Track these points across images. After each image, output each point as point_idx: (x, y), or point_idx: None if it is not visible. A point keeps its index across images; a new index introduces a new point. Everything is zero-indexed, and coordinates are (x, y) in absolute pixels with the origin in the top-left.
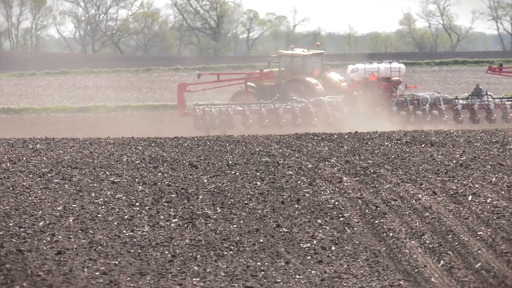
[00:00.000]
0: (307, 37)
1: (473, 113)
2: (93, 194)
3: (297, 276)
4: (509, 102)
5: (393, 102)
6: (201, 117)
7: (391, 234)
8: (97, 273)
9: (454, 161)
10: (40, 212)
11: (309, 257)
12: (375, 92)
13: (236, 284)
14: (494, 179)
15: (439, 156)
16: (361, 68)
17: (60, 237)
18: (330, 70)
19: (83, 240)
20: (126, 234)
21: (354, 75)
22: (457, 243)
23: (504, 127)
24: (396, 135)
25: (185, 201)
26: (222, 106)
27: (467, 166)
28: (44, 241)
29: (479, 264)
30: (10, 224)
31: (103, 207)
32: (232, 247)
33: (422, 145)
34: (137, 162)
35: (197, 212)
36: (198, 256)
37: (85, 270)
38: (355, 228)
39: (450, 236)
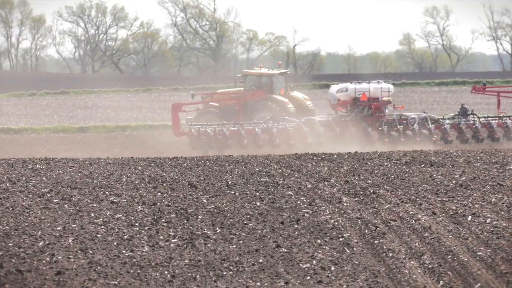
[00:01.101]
0: (307, 57)
1: (461, 133)
2: (92, 214)
3: None
4: (495, 121)
5: (382, 122)
6: (197, 137)
7: (390, 254)
8: None
9: (454, 181)
10: (39, 232)
11: (308, 277)
12: (366, 112)
13: None
14: (493, 199)
15: (439, 176)
16: (351, 88)
17: (59, 257)
18: (293, 89)
19: (82, 260)
20: (126, 254)
21: (341, 94)
22: (456, 264)
23: (493, 146)
24: (395, 155)
25: (185, 221)
26: (216, 126)
27: (466, 186)
28: (44, 261)
29: (479, 284)
30: (10, 244)
31: (102, 227)
32: (231, 267)
33: (422, 165)
34: (136, 182)
35: (196, 232)
36: (198, 276)
37: None
38: (354, 248)
39: (449, 256)
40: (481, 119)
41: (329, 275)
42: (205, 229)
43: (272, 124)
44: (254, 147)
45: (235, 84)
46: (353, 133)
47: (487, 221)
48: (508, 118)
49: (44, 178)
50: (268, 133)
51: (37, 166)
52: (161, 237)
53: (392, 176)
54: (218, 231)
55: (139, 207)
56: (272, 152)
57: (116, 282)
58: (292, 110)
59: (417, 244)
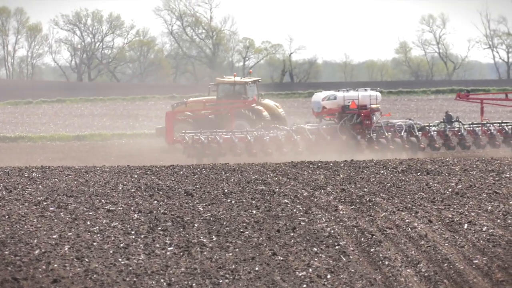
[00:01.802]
0: (303, 65)
1: (447, 140)
2: (88, 222)
3: None
4: (479, 128)
5: (371, 130)
6: (191, 145)
7: (386, 262)
8: None
9: (450, 190)
10: (35, 240)
11: (304, 286)
12: (355, 120)
13: None
14: (490, 207)
15: (435, 185)
16: (339, 96)
17: (55, 265)
18: (264, 97)
19: (78, 269)
20: (122, 262)
21: (328, 102)
22: (452, 272)
23: (478, 153)
24: (391, 164)
25: (181, 229)
26: (209, 134)
27: (463, 194)
28: (40, 269)
29: None
30: (6, 252)
31: (98, 235)
32: (227, 276)
33: (418, 173)
34: (132, 190)
35: (192, 240)
36: (194, 284)
37: None
38: (350, 257)
39: (445, 265)
40: (465, 126)
41: (325, 283)
42: (201, 237)
43: (263, 132)
44: (246, 155)
45: (208, 93)
46: (343, 141)
47: (483, 229)
48: (491, 125)
49: (40, 186)
50: (261, 141)
51: (33, 174)
52: (157, 245)
53: (388, 184)
54: (214, 239)
55: (135, 215)
56: (265, 160)
57: None
58: (267, 118)
59: (413, 252)
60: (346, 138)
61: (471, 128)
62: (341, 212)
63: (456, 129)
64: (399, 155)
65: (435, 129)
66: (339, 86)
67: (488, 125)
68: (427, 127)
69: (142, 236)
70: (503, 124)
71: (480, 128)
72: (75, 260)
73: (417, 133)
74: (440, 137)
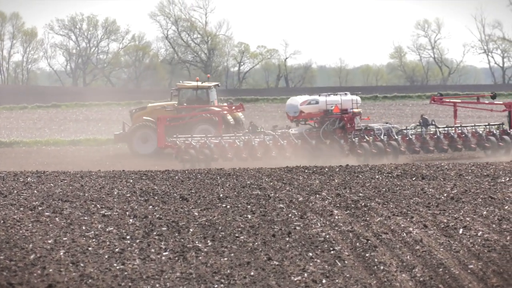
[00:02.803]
0: (298, 70)
1: (425, 143)
2: (84, 227)
3: None
4: (453, 131)
5: (353, 134)
6: (184, 150)
7: (382, 267)
8: None
9: (445, 194)
10: (31, 245)
11: None
12: (337, 124)
13: None
14: (485, 212)
15: (430, 190)
16: (322, 100)
17: (51, 270)
18: (223, 101)
19: (74, 273)
20: (117, 267)
21: (308, 107)
22: (448, 276)
23: (455, 155)
24: (387, 168)
25: (176, 234)
26: (200, 138)
27: (458, 199)
28: (35, 274)
29: None
30: (1, 257)
31: (94, 240)
32: (223, 280)
33: (413, 178)
34: (128, 195)
35: (188, 245)
36: None
37: None
38: (346, 261)
39: (441, 269)
40: (440, 129)
41: None
42: (197, 242)
43: (250, 137)
44: (236, 160)
45: (171, 97)
46: (327, 145)
47: (479, 234)
48: (464, 128)
49: (36, 191)
50: (249, 146)
51: (29, 179)
52: (153, 250)
53: (384, 189)
54: (209, 244)
55: (131, 220)
56: (255, 165)
57: None
58: (232, 122)
59: (408, 257)
60: (330, 143)
61: (446, 131)
62: (336, 217)
63: (432, 132)
64: (380, 159)
65: (412, 132)
66: (335, 90)
67: (461, 128)
68: (405, 131)
69: (138, 241)
70: (475, 127)
71: (453, 131)
72: (71, 265)
73: (396, 137)
74: (418, 141)
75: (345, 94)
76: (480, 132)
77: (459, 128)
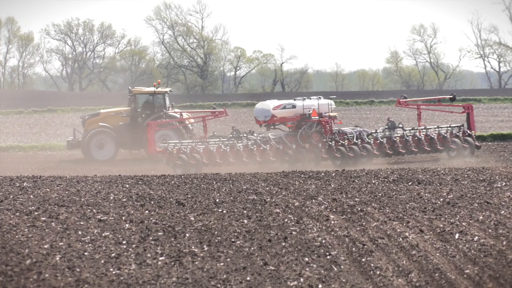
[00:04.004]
0: (295, 74)
1: (395, 146)
2: (80, 232)
3: None
4: (423, 134)
5: (328, 138)
6: (176, 155)
7: (378, 272)
8: None
9: (441, 199)
10: (27, 250)
11: None
12: (315, 128)
13: None
14: (481, 217)
15: (426, 194)
16: (299, 104)
17: (47, 275)
18: (174, 107)
19: (70, 278)
20: (113, 272)
21: (282, 111)
22: (444, 281)
23: (425, 158)
24: (383, 173)
25: (172, 239)
26: (187, 143)
27: (454, 204)
28: (31, 279)
29: None
30: None
31: (90, 245)
32: (219, 285)
33: (409, 183)
34: (124, 200)
35: (184, 250)
36: None
37: None
38: (342, 266)
39: (437, 274)
40: (406, 132)
41: None
42: (193, 247)
43: (234, 142)
44: (225, 165)
45: (128, 103)
46: (307, 149)
47: (475, 239)
48: (428, 131)
49: (32, 196)
50: (235, 150)
51: (25, 184)
52: (149, 255)
53: (380, 194)
54: (205, 249)
55: (127, 225)
56: (241, 170)
57: None
58: (191, 127)
59: (404, 262)
60: (309, 147)
61: (412, 134)
62: (332, 222)
63: (399, 135)
64: (356, 163)
65: (381, 135)
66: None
67: (425, 130)
68: (374, 134)
69: (134, 246)
70: (438, 129)
71: (418, 133)
72: (67, 270)
73: (368, 140)
74: (388, 143)
75: (319, 98)
76: (444, 134)
77: (424, 130)
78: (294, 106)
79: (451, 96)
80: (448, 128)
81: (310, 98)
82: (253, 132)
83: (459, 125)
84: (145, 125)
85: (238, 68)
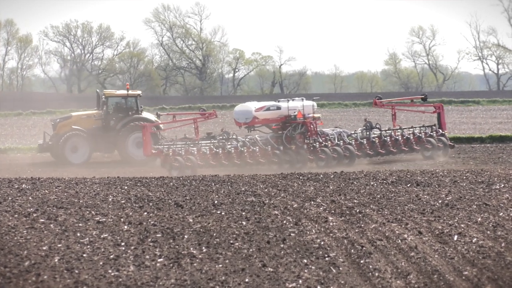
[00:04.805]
0: (293, 76)
1: (374, 146)
2: (78, 234)
3: None
4: (399, 134)
5: (312, 139)
6: (172, 157)
7: (376, 274)
8: None
9: (440, 201)
10: (25, 252)
11: None
12: (299, 130)
13: None
14: (479, 219)
15: (425, 196)
16: (284, 106)
17: (45, 277)
18: (144, 110)
19: (68, 280)
20: (112, 274)
21: (266, 113)
22: (442, 283)
23: (404, 158)
24: (381, 175)
25: (171, 240)
26: (181, 145)
27: (452, 206)
28: (30, 281)
29: None
30: None
31: (88, 246)
32: (217, 287)
33: (408, 185)
34: (122, 201)
35: (182, 252)
36: None
37: None
38: (340, 268)
39: (435, 276)
40: (383, 132)
41: None
42: (191, 249)
43: (224, 144)
44: (219, 167)
45: (99, 106)
46: (293, 150)
47: (473, 240)
48: (403, 131)
49: (30, 198)
50: (226, 152)
51: (23, 185)
52: (147, 256)
53: (378, 196)
54: (204, 250)
55: (125, 227)
56: (235, 171)
57: None
58: (162, 130)
59: (403, 264)
60: (295, 148)
61: (389, 134)
62: (331, 224)
63: (377, 135)
64: (339, 164)
65: (360, 136)
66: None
67: (400, 131)
68: (354, 135)
69: (132, 247)
70: (412, 129)
71: (394, 133)
72: (65, 271)
73: (348, 141)
74: (367, 144)
75: (302, 99)
76: (418, 134)
77: (400, 130)
78: (279, 108)
79: (423, 96)
80: (422, 128)
81: (294, 100)
82: (228, 133)
83: (431, 125)
84: (118, 127)
85: (236, 70)
